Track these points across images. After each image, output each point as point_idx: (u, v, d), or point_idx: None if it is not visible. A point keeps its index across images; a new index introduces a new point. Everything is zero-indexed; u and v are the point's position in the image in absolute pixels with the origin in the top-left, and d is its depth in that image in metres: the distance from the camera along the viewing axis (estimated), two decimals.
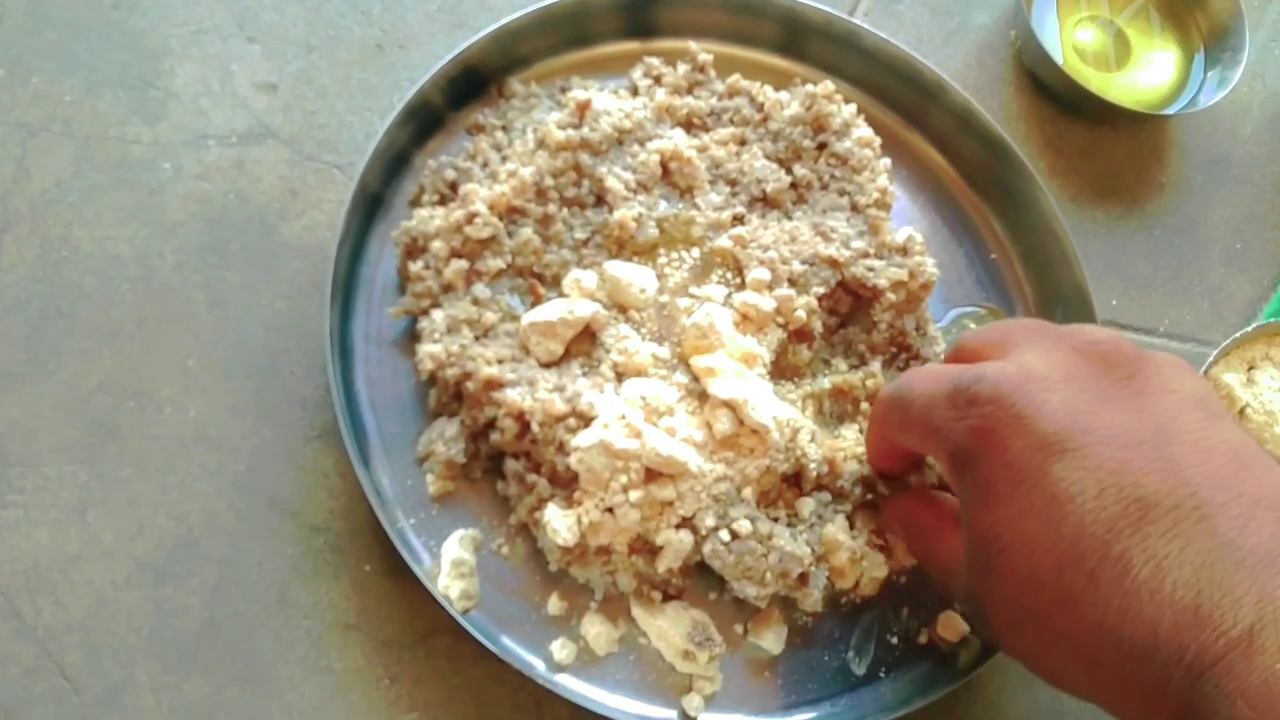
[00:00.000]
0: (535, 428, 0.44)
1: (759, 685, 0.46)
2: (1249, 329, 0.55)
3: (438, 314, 0.47)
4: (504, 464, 0.46)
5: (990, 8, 0.65)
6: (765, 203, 0.52)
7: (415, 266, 0.48)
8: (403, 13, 0.57)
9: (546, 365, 0.47)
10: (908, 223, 0.55)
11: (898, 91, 0.58)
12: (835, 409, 0.50)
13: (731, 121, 0.54)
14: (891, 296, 0.50)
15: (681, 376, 0.46)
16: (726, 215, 0.51)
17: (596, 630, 0.45)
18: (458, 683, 0.45)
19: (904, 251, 0.51)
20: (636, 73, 0.55)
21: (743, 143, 0.54)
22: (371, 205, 0.50)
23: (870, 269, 0.50)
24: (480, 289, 0.47)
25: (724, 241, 0.50)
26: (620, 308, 0.48)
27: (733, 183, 0.52)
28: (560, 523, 0.43)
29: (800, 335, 0.49)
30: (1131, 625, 0.31)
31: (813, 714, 0.46)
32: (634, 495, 0.42)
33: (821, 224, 0.51)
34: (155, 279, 0.49)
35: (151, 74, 0.53)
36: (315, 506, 0.47)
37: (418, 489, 0.46)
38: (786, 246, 0.49)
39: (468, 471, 0.47)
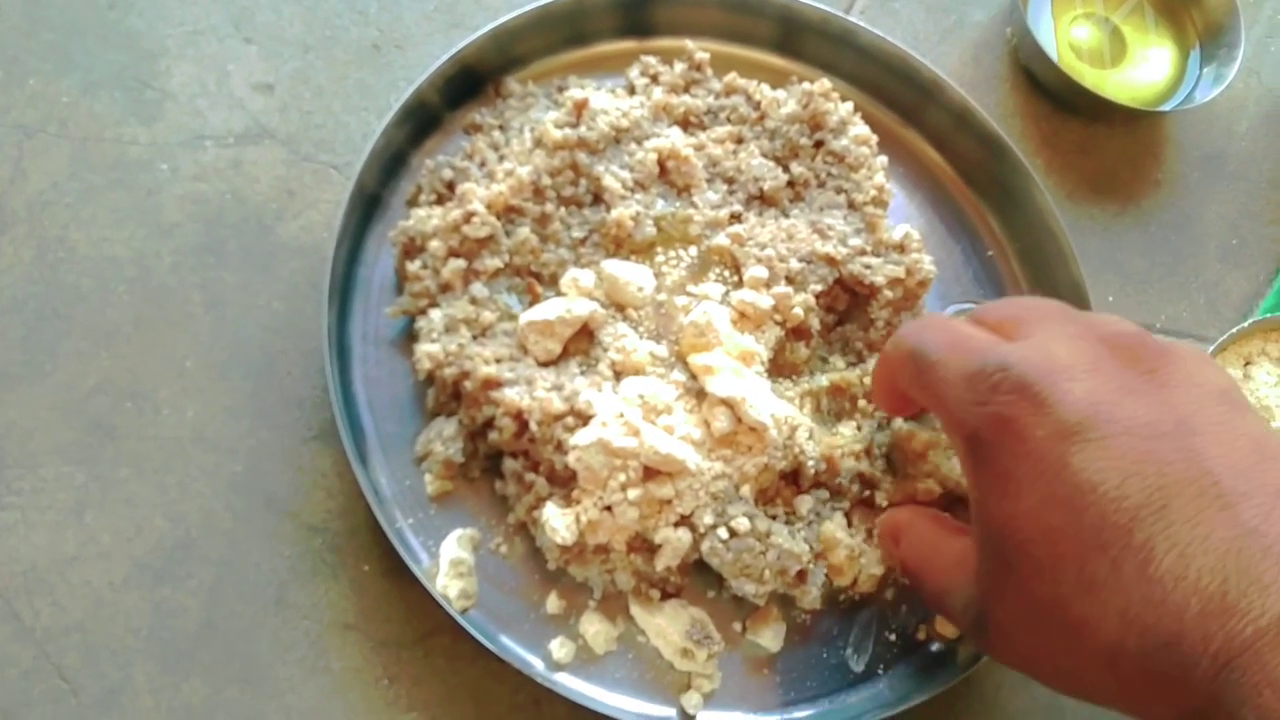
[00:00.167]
0: (533, 426, 0.44)
1: (758, 683, 0.46)
2: (1245, 324, 0.55)
3: (435, 313, 0.47)
4: (502, 463, 0.46)
5: (986, 5, 0.65)
6: (762, 201, 0.52)
7: (413, 266, 0.48)
8: (399, 12, 0.57)
9: (544, 364, 0.47)
10: (905, 220, 0.55)
11: (894, 89, 0.58)
12: (833, 406, 0.50)
13: (728, 120, 0.54)
14: (889, 294, 0.50)
15: (679, 374, 0.46)
16: (724, 213, 0.51)
17: (595, 629, 0.45)
18: (457, 682, 0.45)
19: (901, 249, 0.51)
20: (633, 71, 0.55)
21: (740, 141, 0.54)
22: (369, 205, 0.50)
23: (867, 266, 0.50)
24: (478, 288, 0.47)
25: (721, 239, 0.50)
26: (618, 306, 0.48)
27: (730, 181, 0.52)
28: (558, 521, 0.43)
29: (798, 333, 0.49)
30: (1156, 613, 0.31)
31: (811, 711, 0.46)
32: (632, 493, 0.42)
33: (819, 222, 0.51)
34: (152, 280, 0.49)
35: (148, 75, 0.53)
36: (313, 507, 0.47)
37: (416, 489, 0.46)
38: (784, 244, 0.50)
39: (466, 471, 0.47)
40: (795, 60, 0.58)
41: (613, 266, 0.48)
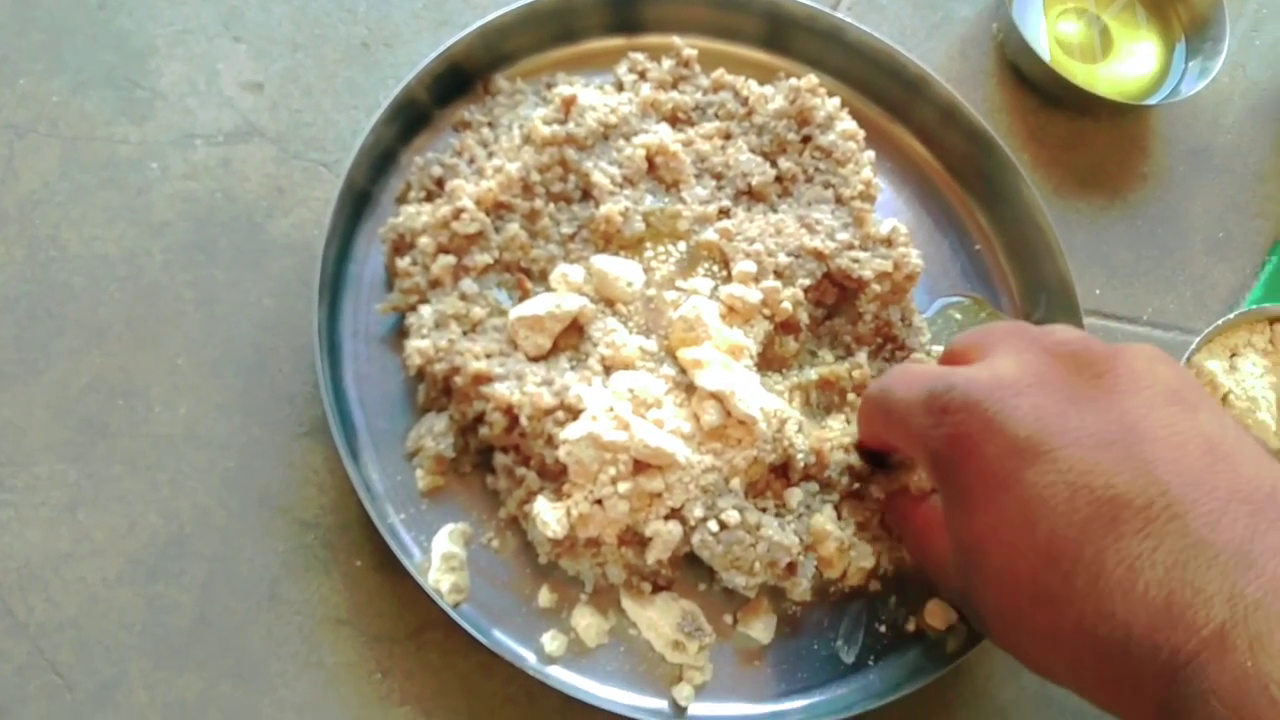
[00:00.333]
0: (524, 421, 0.44)
1: (749, 675, 0.46)
2: (1231, 316, 0.56)
3: (425, 310, 0.47)
4: (493, 458, 0.46)
5: (972, 1, 0.65)
6: (751, 196, 0.53)
7: (403, 263, 0.48)
8: (388, 10, 0.57)
9: (534, 359, 0.47)
10: (892, 215, 0.55)
11: (881, 85, 0.58)
12: (822, 400, 0.50)
13: (716, 116, 0.55)
14: (876, 288, 0.50)
15: (669, 369, 0.46)
16: (712, 209, 0.51)
17: (587, 622, 0.45)
18: (449, 676, 0.45)
19: (888, 243, 0.51)
20: (621, 68, 0.55)
21: (727, 137, 0.54)
22: (359, 202, 0.50)
23: (855, 260, 0.50)
24: (468, 284, 0.48)
25: (710, 235, 0.50)
26: (607, 301, 0.48)
27: (718, 176, 0.53)
28: (549, 515, 0.43)
29: (786, 327, 0.49)
30: (1108, 625, 0.32)
31: (803, 702, 0.46)
32: (623, 487, 0.43)
33: (807, 216, 0.51)
34: (143, 278, 0.49)
35: (138, 74, 0.53)
36: (305, 503, 0.47)
37: (407, 484, 0.47)
38: (772, 239, 0.50)
39: (457, 466, 0.47)
40: (783, 56, 0.59)
41: (602, 262, 0.48)
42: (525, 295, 0.48)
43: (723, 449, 0.45)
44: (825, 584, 0.48)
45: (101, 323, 0.48)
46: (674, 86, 0.55)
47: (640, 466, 0.43)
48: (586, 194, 0.50)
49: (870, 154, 0.53)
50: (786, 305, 0.48)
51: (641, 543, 0.45)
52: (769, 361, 0.49)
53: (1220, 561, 0.30)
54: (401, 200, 0.51)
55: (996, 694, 0.49)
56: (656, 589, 0.46)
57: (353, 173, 0.48)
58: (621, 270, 0.48)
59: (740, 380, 0.45)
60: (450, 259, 0.47)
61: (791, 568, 0.45)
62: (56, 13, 0.54)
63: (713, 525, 0.44)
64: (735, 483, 0.45)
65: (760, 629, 0.47)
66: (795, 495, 0.46)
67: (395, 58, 0.56)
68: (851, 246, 0.51)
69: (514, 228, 0.48)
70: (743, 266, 0.49)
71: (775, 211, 0.52)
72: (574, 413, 0.44)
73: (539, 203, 0.49)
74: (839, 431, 0.48)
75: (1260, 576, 0.30)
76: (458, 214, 0.47)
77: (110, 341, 0.48)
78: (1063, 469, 0.33)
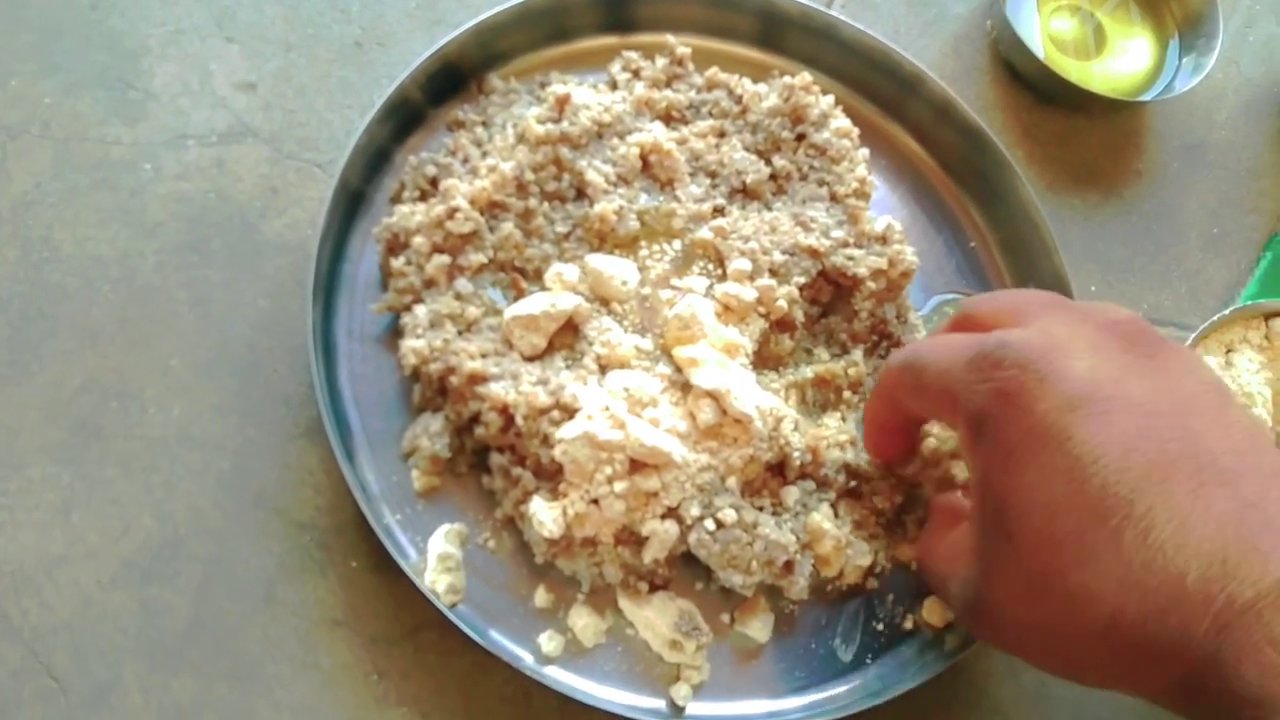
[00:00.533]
0: (519, 421, 0.44)
1: (747, 674, 0.46)
2: (1226, 312, 0.56)
3: (420, 309, 0.47)
4: (489, 458, 0.46)
5: None
6: (745, 194, 0.53)
7: (397, 262, 0.48)
8: (381, 10, 0.57)
9: (530, 359, 0.47)
10: (887, 212, 0.55)
11: (876, 82, 0.58)
12: (818, 398, 0.50)
13: (710, 114, 0.55)
14: (872, 285, 0.50)
15: (664, 367, 0.46)
16: (707, 207, 0.51)
17: (584, 622, 0.45)
18: (446, 677, 0.45)
19: (883, 240, 0.51)
20: (615, 67, 0.55)
21: (722, 135, 0.54)
22: (352, 202, 0.50)
23: (850, 258, 0.50)
24: (462, 284, 0.47)
25: (705, 233, 0.50)
26: (602, 300, 0.48)
27: (712, 175, 0.52)
28: (546, 515, 0.43)
29: (782, 325, 0.49)
30: (1158, 578, 0.32)
31: (801, 701, 0.46)
32: (619, 486, 0.43)
33: (801, 214, 0.51)
34: (137, 279, 0.49)
35: (130, 74, 0.53)
36: (301, 504, 0.47)
37: (403, 484, 0.46)
38: (767, 237, 0.50)
39: (453, 466, 0.47)
40: (776, 54, 0.59)
41: (597, 261, 0.48)
42: (520, 294, 0.48)
43: (719, 447, 0.45)
44: (822, 582, 0.48)
45: (95, 324, 0.48)
46: (668, 85, 0.55)
47: (636, 466, 0.43)
48: (581, 193, 0.50)
49: (864, 151, 0.53)
50: (782, 303, 0.48)
51: (638, 542, 0.45)
52: (764, 359, 0.49)
53: (1274, 525, 0.31)
54: (396, 200, 0.51)
55: (995, 692, 0.49)
56: (653, 588, 0.46)
57: (347, 172, 0.48)
58: (616, 269, 0.48)
59: (736, 378, 0.45)
60: (445, 258, 0.47)
61: (789, 566, 0.45)
62: (48, 13, 0.54)
63: (709, 524, 0.44)
64: (732, 481, 0.45)
65: (758, 628, 0.46)
66: (792, 494, 0.46)
67: (389, 57, 0.56)
68: (846, 244, 0.51)
69: (508, 227, 0.48)
70: (738, 265, 0.48)
71: (770, 209, 0.52)
72: (569, 412, 0.44)
73: (533, 202, 0.49)
74: (835, 429, 0.48)
75: None
76: (452, 213, 0.47)
77: (104, 343, 0.48)
78: (1116, 429, 0.34)
